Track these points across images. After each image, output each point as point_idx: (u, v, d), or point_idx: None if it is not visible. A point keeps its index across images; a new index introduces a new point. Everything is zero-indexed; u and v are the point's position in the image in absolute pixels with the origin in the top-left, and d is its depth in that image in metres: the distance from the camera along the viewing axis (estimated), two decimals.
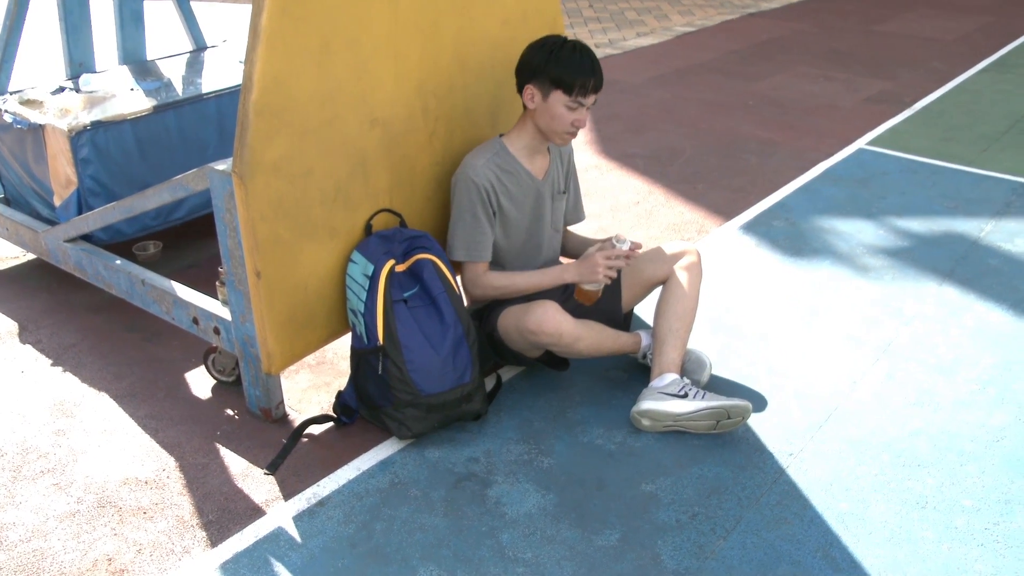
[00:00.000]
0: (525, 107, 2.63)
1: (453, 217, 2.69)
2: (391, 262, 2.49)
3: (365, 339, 2.50)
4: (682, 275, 2.76)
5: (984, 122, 5.19)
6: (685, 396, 2.56)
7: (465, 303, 2.66)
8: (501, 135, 2.74)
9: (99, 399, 2.79)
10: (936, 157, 4.65)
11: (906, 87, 5.94)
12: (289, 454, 2.51)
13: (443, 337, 2.49)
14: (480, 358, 2.62)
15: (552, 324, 2.55)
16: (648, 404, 2.57)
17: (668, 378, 2.60)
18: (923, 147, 4.80)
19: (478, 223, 2.65)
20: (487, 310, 2.78)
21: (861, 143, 4.88)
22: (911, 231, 3.82)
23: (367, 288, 2.48)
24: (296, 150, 2.36)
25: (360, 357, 2.54)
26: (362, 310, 2.48)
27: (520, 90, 2.62)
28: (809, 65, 6.52)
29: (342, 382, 2.84)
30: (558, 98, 2.54)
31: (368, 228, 2.61)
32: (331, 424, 2.64)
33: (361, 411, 2.62)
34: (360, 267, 2.52)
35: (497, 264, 2.79)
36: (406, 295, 2.50)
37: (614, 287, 2.85)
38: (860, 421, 2.63)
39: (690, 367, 2.79)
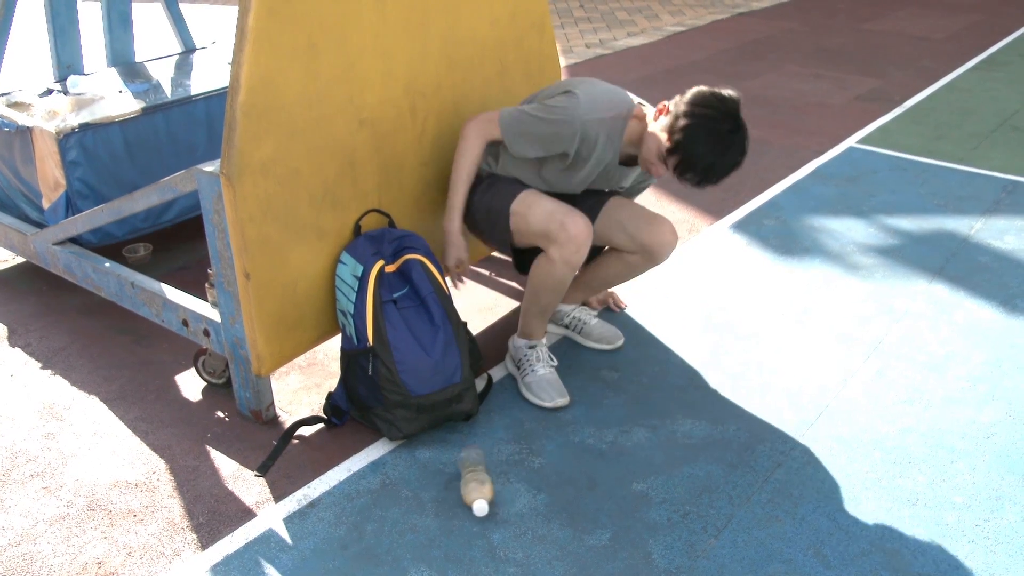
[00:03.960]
0: (655, 113, 2.56)
1: (532, 109, 2.60)
2: (380, 263, 2.48)
3: (355, 340, 2.49)
4: (632, 260, 2.79)
5: (974, 120, 5.21)
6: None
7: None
8: (632, 108, 2.64)
9: (89, 402, 2.78)
10: (926, 155, 4.66)
11: (896, 85, 5.95)
12: (279, 456, 2.50)
13: (433, 338, 2.49)
14: (471, 357, 2.61)
15: (583, 235, 2.53)
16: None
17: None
18: (913, 145, 4.81)
19: (536, 137, 2.59)
20: (493, 180, 2.75)
21: (851, 141, 4.89)
22: (901, 229, 3.83)
23: (356, 289, 2.47)
24: (284, 151, 2.36)
25: (350, 358, 2.53)
26: (351, 311, 2.48)
27: (663, 101, 2.55)
28: (799, 64, 6.53)
29: (332, 383, 2.83)
30: (665, 159, 2.47)
31: (357, 229, 2.61)
32: (321, 425, 2.63)
33: (352, 412, 2.61)
34: (349, 268, 2.51)
35: (518, 180, 2.74)
36: (395, 296, 2.49)
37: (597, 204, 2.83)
38: (851, 419, 2.63)
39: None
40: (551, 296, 2.67)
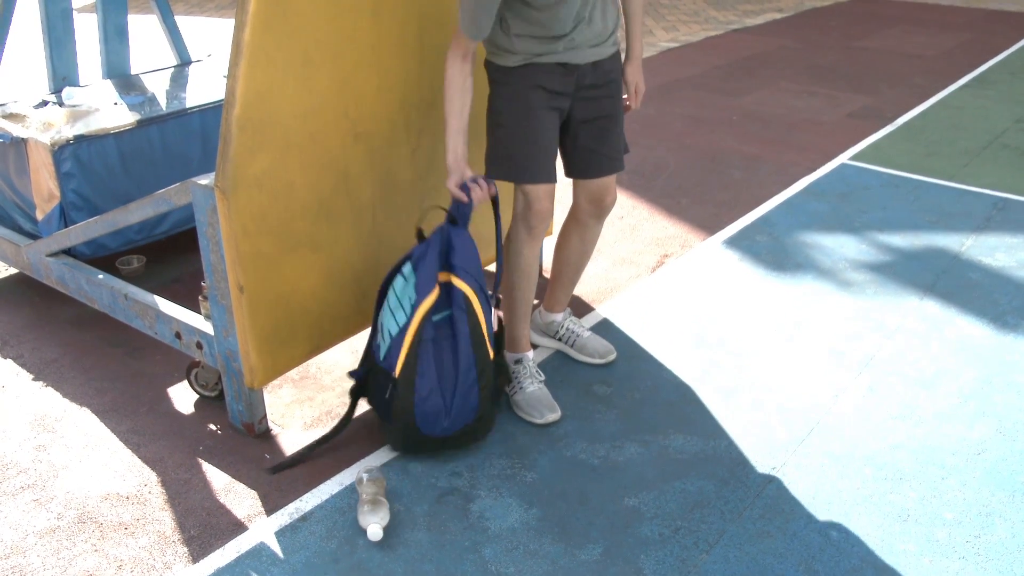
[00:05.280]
0: None
1: None
2: (434, 295, 2.40)
3: (382, 356, 2.47)
4: (584, 221, 2.82)
5: (965, 137, 5.24)
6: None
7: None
8: None
9: (81, 414, 2.77)
10: (917, 172, 4.69)
11: (888, 103, 5.98)
12: (298, 464, 2.51)
13: (454, 383, 2.43)
14: (493, 388, 2.56)
15: (544, 210, 2.57)
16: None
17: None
18: (905, 162, 4.84)
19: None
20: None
21: (843, 158, 4.91)
22: (893, 245, 3.84)
23: (406, 316, 2.41)
24: (279, 165, 2.37)
25: (374, 366, 2.51)
26: (393, 333, 2.43)
27: None
28: (792, 81, 6.57)
29: (325, 396, 2.83)
30: None
31: (419, 233, 2.55)
32: (319, 435, 2.63)
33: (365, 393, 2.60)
34: (407, 287, 2.44)
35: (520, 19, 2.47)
36: (435, 319, 2.42)
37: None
38: (842, 435, 2.64)
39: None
40: (524, 281, 2.69)
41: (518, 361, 2.77)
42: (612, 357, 2.99)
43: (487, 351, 2.49)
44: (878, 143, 5.16)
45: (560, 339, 3.03)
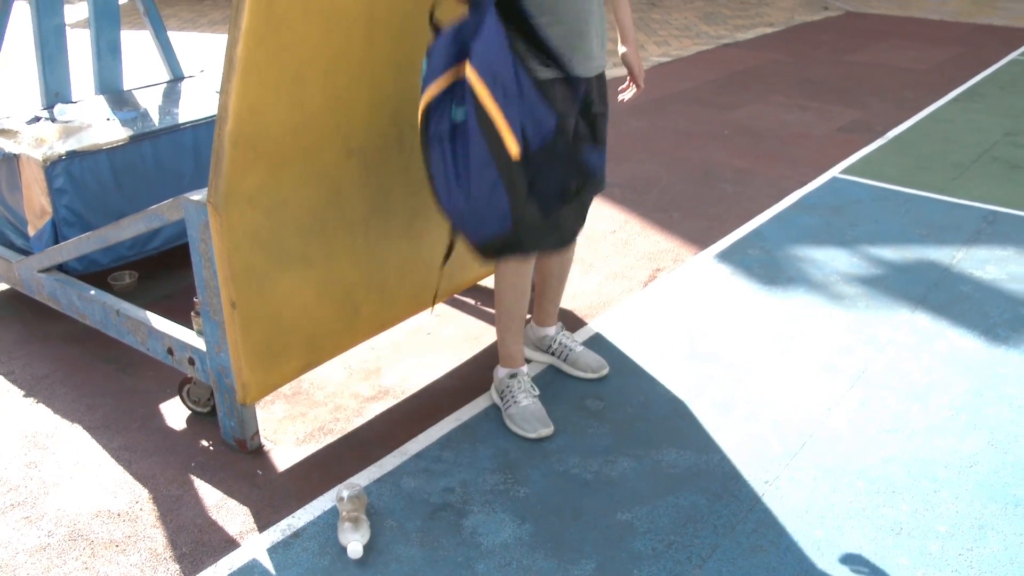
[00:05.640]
0: None
1: None
2: (437, 87, 2.27)
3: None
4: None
5: (955, 150, 5.27)
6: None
7: None
8: None
9: (72, 430, 2.76)
10: (908, 185, 4.71)
11: (878, 116, 6.02)
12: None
13: (467, 182, 2.31)
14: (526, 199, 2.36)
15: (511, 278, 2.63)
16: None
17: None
18: (895, 175, 4.86)
19: None
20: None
21: (835, 171, 4.94)
22: (884, 258, 3.86)
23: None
24: (271, 180, 2.37)
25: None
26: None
27: None
28: (783, 95, 6.60)
29: (318, 412, 2.83)
30: None
31: (431, 18, 2.39)
32: (311, 451, 2.62)
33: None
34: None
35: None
36: (444, 113, 2.30)
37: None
38: (835, 448, 2.65)
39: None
40: (515, 295, 2.69)
41: (513, 376, 2.77)
42: (605, 372, 2.99)
43: (505, 150, 2.26)
44: (869, 156, 5.19)
45: (553, 353, 3.03)
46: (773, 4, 10.77)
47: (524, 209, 2.36)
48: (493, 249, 2.47)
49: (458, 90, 2.28)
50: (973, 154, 5.19)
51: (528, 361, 3.00)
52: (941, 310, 3.42)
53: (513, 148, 2.25)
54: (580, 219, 2.71)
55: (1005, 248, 3.94)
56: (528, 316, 3.06)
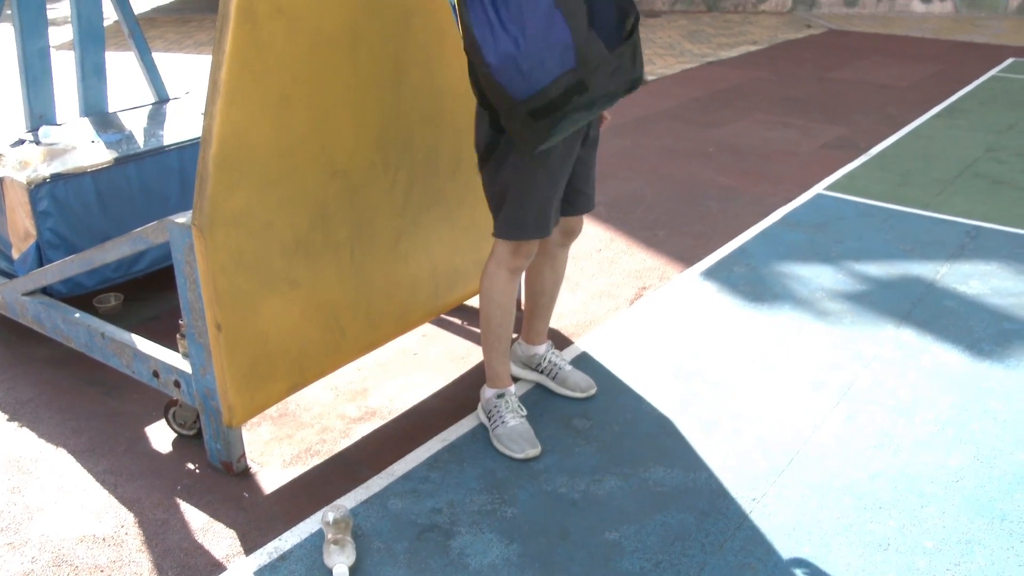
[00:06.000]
0: None
1: None
2: None
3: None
4: (552, 251, 2.83)
5: (937, 166, 5.31)
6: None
7: None
8: None
9: (56, 454, 2.74)
10: (892, 201, 4.74)
11: (861, 133, 6.06)
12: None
13: (520, 13, 2.12)
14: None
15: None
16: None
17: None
18: (879, 191, 4.89)
19: None
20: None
21: (819, 188, 4.97)
22: (868, 274, 3.88)
23: None
24: (256, 202, 2.37)
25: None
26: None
27: None
28: (767, 112, 6.64)
29: (304, 434, 2.82)
30: None
31: None
32: (298, 473, 2.61)
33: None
34: None
35: None
36: None
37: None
38: (822, 465, 2.65)
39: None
40: (501, 315, 2.69)
41: (500, 396, 2.77)
42: (593, 391, 2.99)
43: None
44: (853, 173, 5.22)
45: (542, 371, 3.03)
46: (756, 22, 10.86)
47: (588, 40, 2.18)
48: (545, 107, 2.19)
49: None
50: (956, 170, 5.24)
51: (516, 380, 3.00)
52: (926, 325, 3.44)
53: None
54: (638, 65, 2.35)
55: (988, 263, 3.97)
56: (515, 335, 3.07)
